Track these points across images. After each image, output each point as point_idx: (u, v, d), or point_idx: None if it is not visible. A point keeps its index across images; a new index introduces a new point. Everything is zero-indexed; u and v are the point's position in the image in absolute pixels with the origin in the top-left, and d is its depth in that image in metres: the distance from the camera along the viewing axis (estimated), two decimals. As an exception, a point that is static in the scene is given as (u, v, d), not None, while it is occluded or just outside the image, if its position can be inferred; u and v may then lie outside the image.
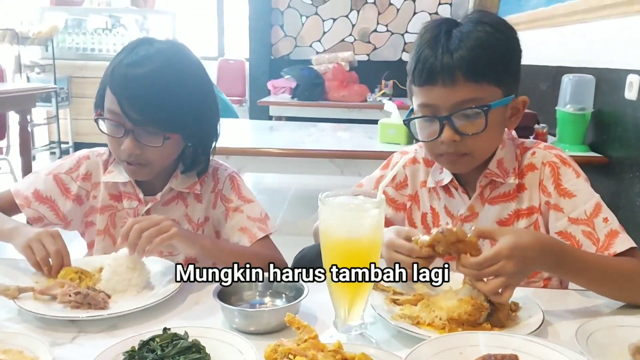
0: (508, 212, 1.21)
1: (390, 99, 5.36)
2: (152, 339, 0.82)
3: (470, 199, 1.23)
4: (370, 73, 5.78)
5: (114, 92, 1.18)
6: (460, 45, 1.07)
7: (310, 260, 1.27)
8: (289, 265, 1.32)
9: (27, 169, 3.45)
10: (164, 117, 1.18)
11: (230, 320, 0.96)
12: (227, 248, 1.26)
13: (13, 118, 3.89)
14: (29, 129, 3.53)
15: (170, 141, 1.21)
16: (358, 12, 6.18)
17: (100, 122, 1.23)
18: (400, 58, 6.20)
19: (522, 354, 0.71)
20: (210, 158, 1.36)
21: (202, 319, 1.00)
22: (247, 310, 0.96)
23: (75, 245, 1.38)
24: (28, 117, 3.57)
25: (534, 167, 1.20)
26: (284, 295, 1.02)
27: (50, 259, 1.11)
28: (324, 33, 6.25)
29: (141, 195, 1.32)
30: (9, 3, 6.35)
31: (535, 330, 0.89)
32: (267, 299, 1.02)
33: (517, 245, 0.93)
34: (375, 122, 4.23)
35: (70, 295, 0.99)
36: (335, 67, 5.60)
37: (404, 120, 1.22)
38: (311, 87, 5.36)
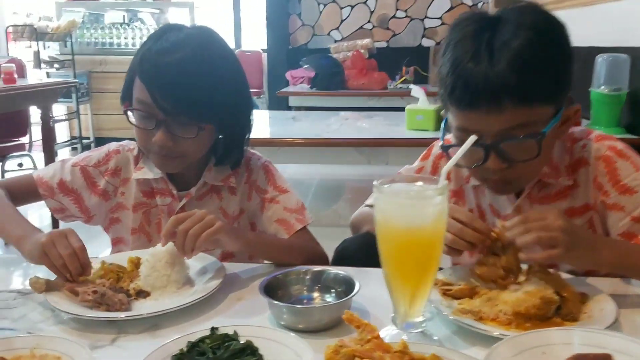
0: None
1: (410, 87, 5.30)
2: (202, 340, 0.76)
3: (517, 198, 1.15)
4: (389, 60, 5.66)
5: (144, 81, 1.11)
6: (506, 64, 0.93)
7: (353, 253, 1.21)
8: (329, 258, 1.26)
9: (50, 165, 3.41)
10: (198, 106, 1.11)
11: (278, 317, 0.90)
12: (269, 241, 1.20)
13: (34, 115, 3.87)
14: (51, 125, 3.50)
15: (204, 132, 1.15)
16: (376, -2, 6.06)
17: (130, 114, 1.17)
18: (420, 44, 6.08)
19: (618, 354, 0.64)
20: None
21: (248, 316, 0.94)
22: (297, 307, 0.90)
23: (102, 241, 1.33)
24: (49, 112, 3.54)
25: (585, 163, 1.10)
26: (333, 290, 0.96)
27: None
28: (342, 21, 6.15)
29: (174, 191, 1.26)
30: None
31: (613, 323, 0.82)
32: (315, 294, 0.96)
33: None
34: (396, 109, 4.15)
35: (88, 294, 0.94)
36: (354, 54, 5.51)
37: (440, 147, 1.12)
38: (330, 76, 5.28)
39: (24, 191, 1.25)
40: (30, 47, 5.47)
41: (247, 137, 1.27)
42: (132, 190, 1.27)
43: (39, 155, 3.74)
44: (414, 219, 0.75)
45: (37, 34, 5.16)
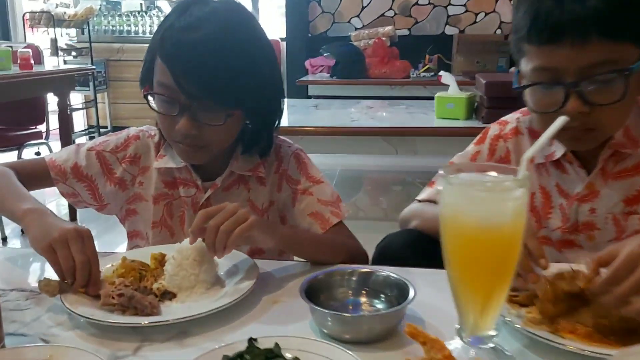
0: (637, 188, 1.01)
1: (434, 75, 5.15)
2: (240, 355, 0.66)
3: (588, 174, 1.04)
4: (411, 48, 5.51)
5: (166, 62, 0.99)
6: None
7: (397, 250, 1.09)
8: (369, 256, 1.15)
9: (67, 154, 3.34)
10: (226, 89, 0.99)
11: (321, 325, 0.79)
12: (305, 237, 1.09)
13: (52, 103, 3.80)
14: (68, 113, 3.42)
15: (232, 118, 1.03)
16: (399, -16, 5.90)
17: (150, 98, 1.06)
18: (444, 32, 5.92)
19: None
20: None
21: (286, 323, 0.84)
22: (345, 315, 0.79)
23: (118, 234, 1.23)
24: (67, 100, 3.46)
25: None
26: (382, 294, 0.85)
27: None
28: (363, 8, 6.00)
29: (199, 182, 1.15)
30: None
31: None
32: (363, 299, 0.85)
33: None
34: (419, 99, 4.03)
35: (113, 297, 0.84)
36: (376, 42, 5.37)
37: (514, 88, 1.01)
38: (351, 64, 5.16)
39: (35, 174, 1.15)
40: (47, 34, 5.40)
41: (277, 123, 1.16)
42: (152, 180, 1.17)
43: (56, 144, 3.67)
44: (490, 215, 0.63)
45: (54, 21, 5.08)
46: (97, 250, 0.90)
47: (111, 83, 5.98)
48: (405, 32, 5.95)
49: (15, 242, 3.18)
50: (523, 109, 1.13)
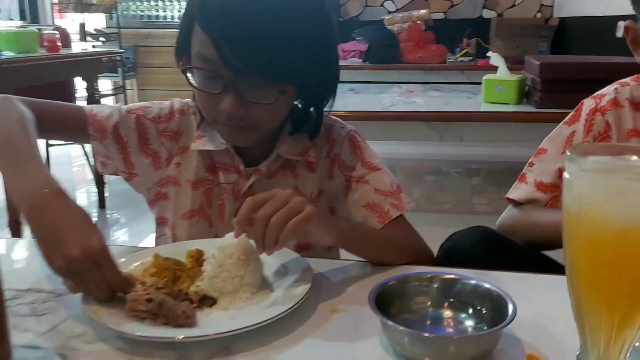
0: None
1: (472, 59, 4.93)
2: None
3: None
4: (447, 32, 5.29)
5: (207, 31, 0.83)
6: None
7: (468, 251, 0.93)
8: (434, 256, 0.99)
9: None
10: (278, 63, 0.83)
11: (395, 343, 0.64)
12: (367, 233, 0.93)
13: (80, 90, 3.71)
14: (97, 98, 3.32)
15: (285, 96, 0.88)
16: (434, -35, 5.67)
17: (189, 75, 0.90)
18: (481, 15, 5.68)
19: None
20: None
21: (350, 338, 0.69)
22: (428, 336, 0.63)
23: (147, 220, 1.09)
24: (95, 84, 3.36)
25: None
26: (470, 307, 0.69)
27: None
28: (397, -10, 5.79)
29: (242, 167, 1.00)
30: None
31: None
32: (446, 312, 0.69)
33: None
34: (456, 84, 3.85)
35: (140, 303, 0.70)
36: (410, 26, 5.18)
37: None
38: (385, 49, 4.99)
39: (67, 122, 0.99)
40: (76, 19, 5.33)
41: (330, 100, 1.01)
42: (191, 163, 1.02)
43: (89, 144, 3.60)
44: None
45: (82, 5, 5.00)
46: (126, 242, 0.76)
47: (140, 69, 5.90)
48: (441, 15, 5.73)
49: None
50: (621, 80, 0.98)
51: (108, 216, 3.34)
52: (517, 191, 1.09)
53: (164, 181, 1.04)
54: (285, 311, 0.70)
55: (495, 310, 0.65)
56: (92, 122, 0.99)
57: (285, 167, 1.02)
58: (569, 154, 0.51)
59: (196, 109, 1.02)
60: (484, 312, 0.67)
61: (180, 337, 0.66)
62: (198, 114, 1.02)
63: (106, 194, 3.42)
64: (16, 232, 2.55)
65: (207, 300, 0.76)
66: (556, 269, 0.84)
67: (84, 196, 3.74)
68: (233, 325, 0.67)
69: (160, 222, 1.08)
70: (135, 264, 0.83)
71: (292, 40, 0.84)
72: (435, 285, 0.70)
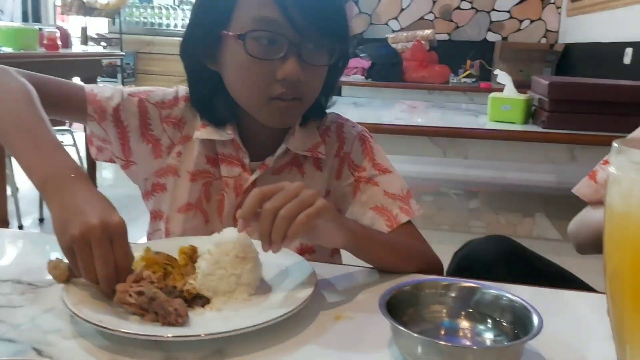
0: None
1: (476, 81, 4.91)
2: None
3: None
4: (451, 54, 5.29)
5: None
6: None
7: (483, 260, 0.87)
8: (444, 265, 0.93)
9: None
10: (337, 19, 0.86)
11: (407, 351, 0.58)
12: (377, 236, 0.86)
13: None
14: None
15: (332, 61, 0.88)
16: (440, -13, 5.68)
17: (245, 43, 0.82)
18: (485, 38, 5.68)
19: None
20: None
21: (356, 347, 0.62)
22: (445, 345, 0.56)
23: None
24: (93, 86, 3.32)
25: None
26: (490, 318, 0.63)
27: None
28: (402, 10, 5.80)
29: (246, 160, 0.94)
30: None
31: None
32: (463, 323, 0.63)
33: None
34: (459, 104, 3.81)
35: (130, 295, 0.63)
36: (415, 45, 5.16)
37: None
38: (388, 67, 4.98)
39: (65, 99, 0.92)
40: (78, 23, 5.30)
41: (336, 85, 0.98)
42: (192, 154, 0.96)
43: (80, 134, 3.53)
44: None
45: (85, 9, 4.98)
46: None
47: (139, 76, 5.86)
48: (445, 36, 5.73)
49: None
50: None
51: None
52: (584, 189, 1.01)
53: (163, 171, 0.97)
54: (284, 314, 0.64)
55: (517, 323, 0.59)
56: (92, 101, 0.93)
57: (292, 164, 0.97)
58: (616, 145, 0.45)
59: (192, 103, 0.96)
60: (504, 324, 0.61)
61: (170, 336, 0.60)
62: (195, 107, 0.96)
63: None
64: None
65: (200, 300, 0.69)
66: (580, 285, 0.78)
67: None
68: (227, 327, 0.61)
69: (155, 216, 1.01)
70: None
71: (342, 3, 0.86)
72: (452, 294, 0.64)
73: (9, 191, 2.73)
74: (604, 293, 0.74)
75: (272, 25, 0.80)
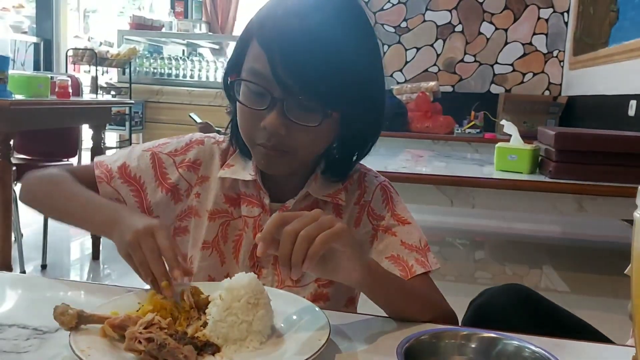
0: None
1: (480, 132, 4.95)
2: None
3: None
4: (455, 105, 5.36)
5: (265, 47, 0.82)
6: None
7: (501, 310, 0.85)
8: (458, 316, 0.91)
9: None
10: (328, 84, 0.82)
11: (426, 407, 0.55)
12: (392, 276, 0.85)
13: (86, 140, 3.70)
14: (102, 148, 3.30)
15: (329, 121, 0.84)
16: (444, 41, 5.81)
17: (237, 88, 0.88)
18: (489, 90, 5.76)
19: None
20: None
21: (373, 400, 0.60)
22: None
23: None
24: (102, 133, 3.35)
25: None
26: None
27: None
28: (407, 62, 5.91)
29: (266, 201, 0.95)
30: (90, 24, 6.38)
31: None
32: (485, 374, 0.61)
33: None
34: (464, 154, 3.83)
35: (139, 342, 0.62)
36: (419, 96, 5.23)
37: None
38: (393, 117, 5.01)
39: (84, 177, 0.98)
40: (89, 71, 5.40)
41: (370, 146, 0.96)
42: (211, 193, 0.98)
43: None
44: None
45: (96, 59, 5.07)
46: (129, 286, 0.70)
47: (147, 124, 5.92)
48: (449, 88, 5.82)
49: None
50: None
51: (101, 268, 3.23)
52: None
53: (185, 214, 0.99)
54: (299, 363, 0.61)
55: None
56: (98, 166, 0.99)
57: (312, 207, 0.96)
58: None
59: (226, 138, 0.99)
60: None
61: (177, 387, 0.57)
62: (227, 143, 1.00)
63: (101, 248, 3.32)
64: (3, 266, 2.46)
65: (210, 347, 0.67)
66: (600, 338, 0.76)
67: (77, 248, 3.64)
68: (239, 376, 0.59)
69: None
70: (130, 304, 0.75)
71: (345, 64, 0.82)
72: (473, 345, 0.62)
73: (13, 237, 2.72)
74: (625, 345, 0.71)
75: (259, 77, 0.84)
